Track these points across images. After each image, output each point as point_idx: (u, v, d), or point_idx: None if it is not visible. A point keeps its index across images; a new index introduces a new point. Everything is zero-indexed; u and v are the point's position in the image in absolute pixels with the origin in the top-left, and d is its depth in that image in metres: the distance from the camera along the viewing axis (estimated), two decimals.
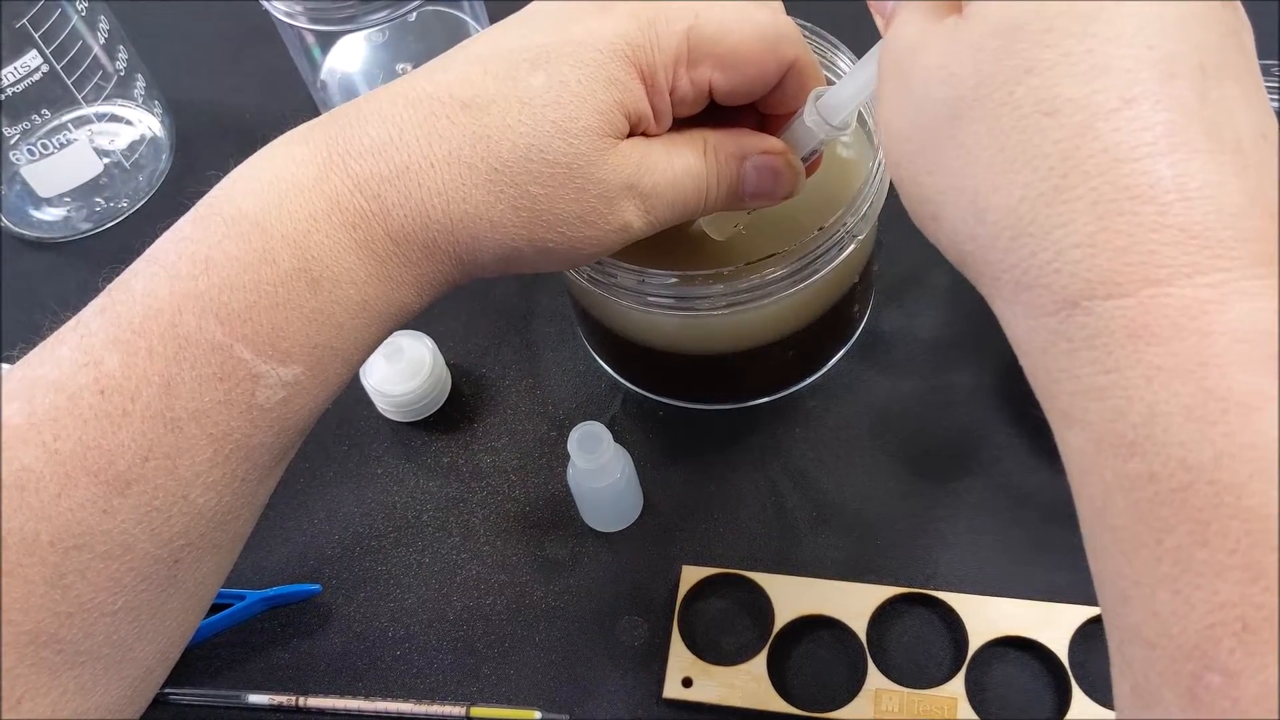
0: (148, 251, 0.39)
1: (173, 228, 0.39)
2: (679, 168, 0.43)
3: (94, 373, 0.35)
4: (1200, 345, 0.27)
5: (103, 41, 0.65)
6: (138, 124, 0.70)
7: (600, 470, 0.51)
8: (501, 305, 0.63)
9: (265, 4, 0.65)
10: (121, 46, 0.67)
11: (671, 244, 0.54)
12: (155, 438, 0.35)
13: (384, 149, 0.39)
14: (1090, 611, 0.50)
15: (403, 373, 0.58)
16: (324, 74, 0.72)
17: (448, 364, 0.60)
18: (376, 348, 0.42)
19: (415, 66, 0.72)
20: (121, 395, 0.35)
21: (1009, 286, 0.31)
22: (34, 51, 0.61)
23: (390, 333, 0.42)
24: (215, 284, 0.36)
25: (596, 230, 0.42)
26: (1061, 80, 0.29)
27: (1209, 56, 0.29)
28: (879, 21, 0.38)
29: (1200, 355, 0.27)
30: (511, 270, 0.43)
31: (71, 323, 0.37)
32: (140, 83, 0.69)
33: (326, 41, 0.71)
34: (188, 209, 0.70)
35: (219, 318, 0.36)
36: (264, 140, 0.72)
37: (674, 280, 0.49)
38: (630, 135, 0.42)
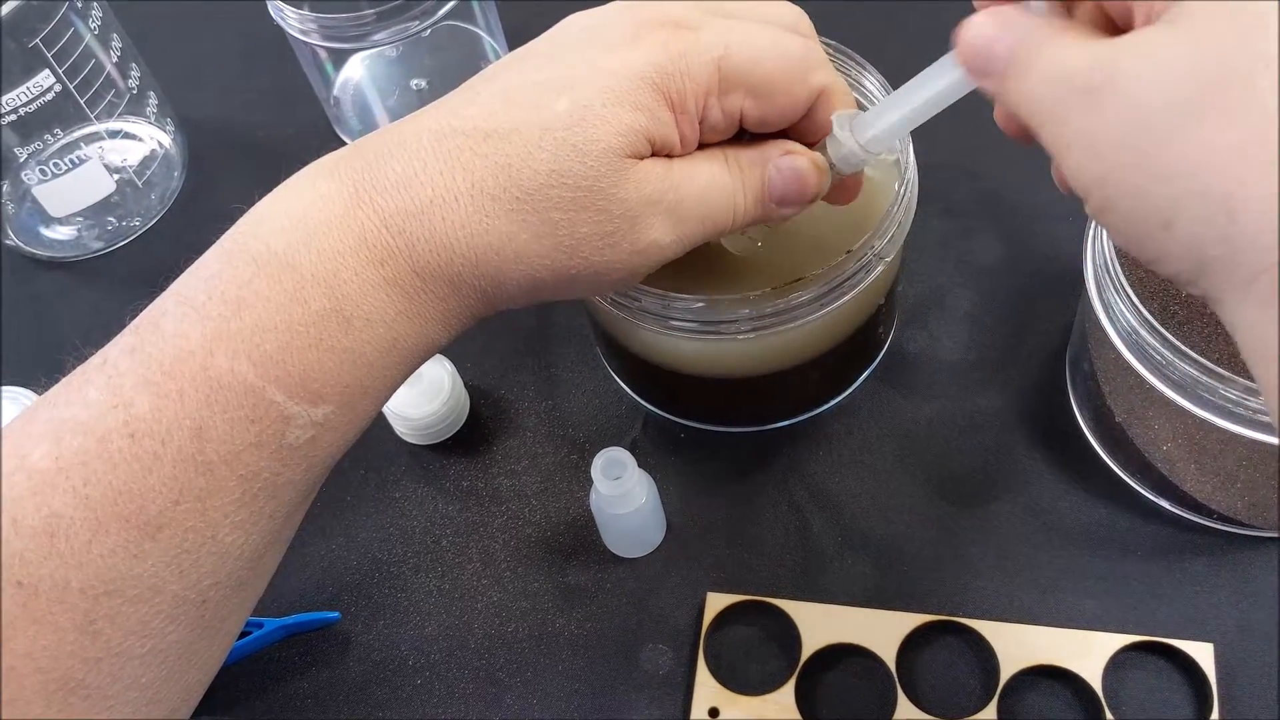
0: (174, 287, 0.38)
1: (199, 263, 0.38)
2: (703, 180, 0.42)
3: (123, 415, 0.34)
4: None
5: (115, 60, 0.65)
6: (150, 141, 0.70)
7: (624, 497, 0.51)
8: (519, 325, 0.63)
9: (279, 20, 0.64)
10: (134, 64, 0.66)
11: (696, 267, 0.53)
12: (186, 481, 0.34)
13: (408, 184, 0.38)
14: (1123, 639, 0.49)
15: (422, 395, 0.57)
16: (337, 90, 0.71)
17: (466, 385, 0.60)
18: (403, 383, 0.41)
19: (430, 83, 0.72)
20: (152, 439, 0.34)
21: (1269, 287, 0.29)
22: (46, 71, 0.60)
23: (416, 368, 0.41)
24: (247, 325, 0.35)
25: (623, 253, 0.41)
26: None
27: None
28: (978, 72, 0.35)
29: None
30: (539, 299, 0.42)
31: (97, 360, 0.37)
32: (153, 100, 0.68)
33: (340, 58, 0.70)
34: (200, 227, 0.69)
35: (251, 360, 0.35)
36: (276, 157, 0.71)
37: (699, 304, 0.48)
38: (653, 156, 0.42)
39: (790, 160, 0.44)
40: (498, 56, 0.72)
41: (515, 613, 0.54)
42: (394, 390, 0.41)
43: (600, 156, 0.39)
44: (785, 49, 0.42)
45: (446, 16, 0.65)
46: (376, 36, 0.64)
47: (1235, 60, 0.29)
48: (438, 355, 0.58)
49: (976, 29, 0.34)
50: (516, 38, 0.73)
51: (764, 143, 0.44)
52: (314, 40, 0.65)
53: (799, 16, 0.45)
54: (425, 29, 0.65)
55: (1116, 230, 0.33)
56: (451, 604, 0.54)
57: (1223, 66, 0.29)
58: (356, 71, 0.72)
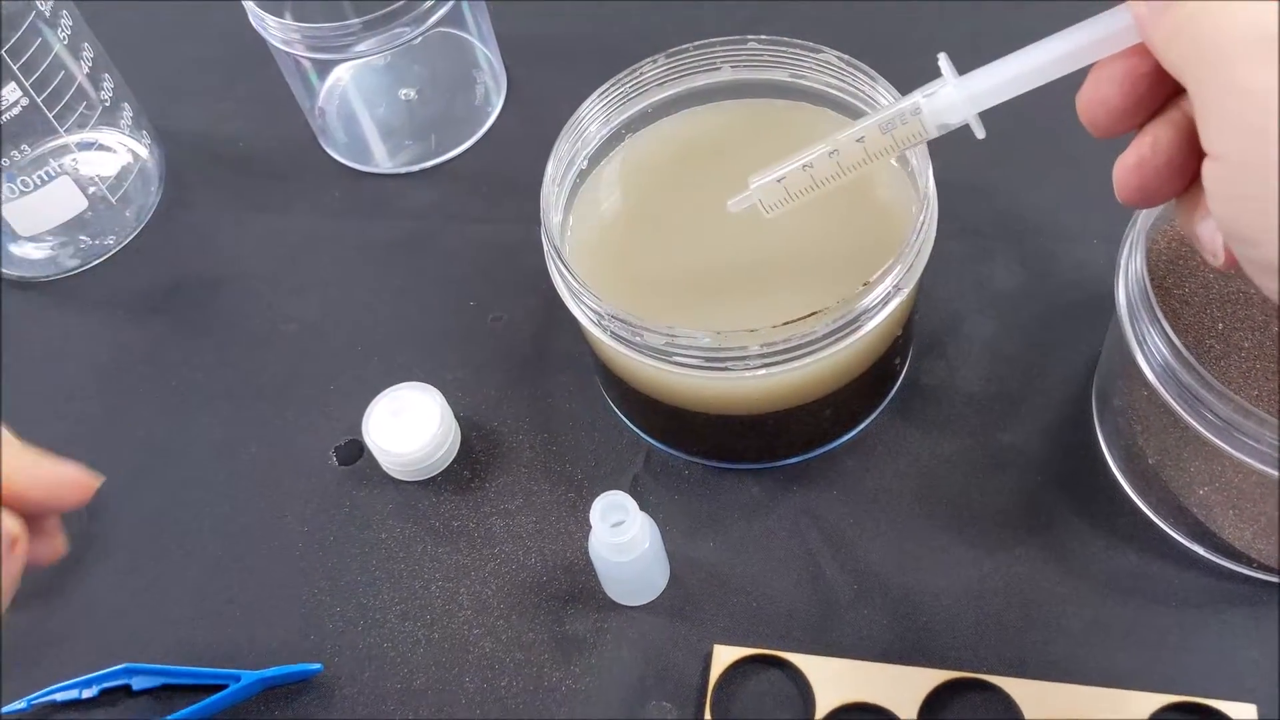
0: None
1: None
2: None
3: None
4: None
5: (87, 70, 0.61)
6: (124, 155, 0.66)
7: (625, 544, 0.47)
8: (514, 352, 0.59)
9: (259, 30, 0.61)
10: (107, 75, 0.63)
11: (701, 298, 0.51)
12: None
13: None
14: (1160, 699, 0.46)
15: (409, 429, 0.54)
16: (322, 100, 0.68)
17: (457, 417, 0.56)
18: None
19: (420, 92, 0.68)
20: None
21: None
22: (13, 84, 0.57)
23: None
24: None
25: None
26: None
27: None
28: None
29: None
30: None
31: None
32: (127, 112, 0.65)
33: (324, 67, 0.67)
34: (178, 245, 0.66)
35: None
36: (258, 171, 0.68)
37: (706, 340, 0.45)
38: None
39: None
40: (490, 65, 0.69)
41: (509, 665, 0.50)
42: None
43: None
44: None
45: (438, 23, 0.62)
46: (363, 46, 0.61)
47: None
48: (428, 385, 0.55)
49: None
50: (509, 45, 0.69)
51: None
52: (297, 51, 0.61)
53: None
54: (416, 37, 0.61)
55: (1249, 213, 0.30)
56: (441, 655, 0.51)
57: None
58: (342, 81, 0.69)
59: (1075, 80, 0.68)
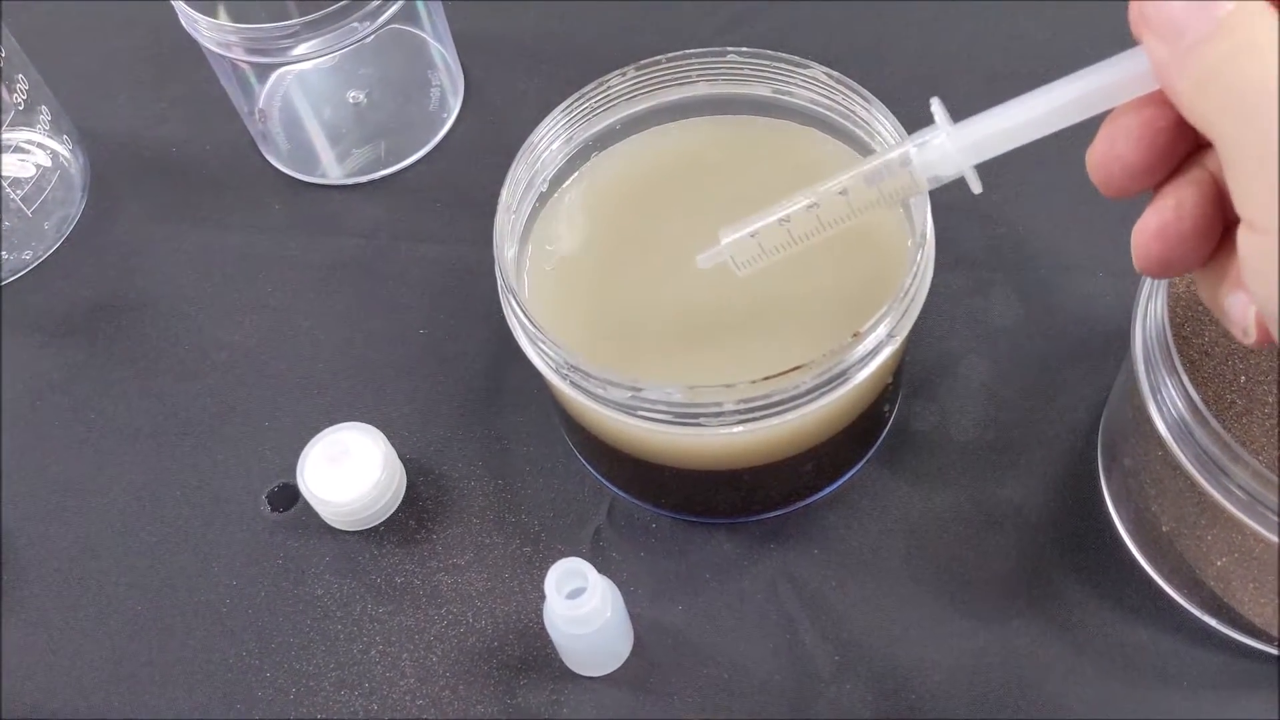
0: None
1: None
2: None
3: None
4: None
5: None
6: (43, 159, 0.61)
7: (584, 617, 0.43)
8: (466, 388, 0.54)
9: (192, 32, 0.55)
10: (22, 75, 0.57)
11: (675, 343, 0.46)
12: None
13: None
14: None
15: (349, 475, 0.49)
16: (262, 103, 0.63)
17: (402, 459, 0.51)
18: None
19: (369, 94, 0.63)
20: None
21: None
22: None
23: None
24: None
25: None
26: None
27: None
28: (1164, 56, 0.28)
29: None
30: None
31: None
32: (45, 114, 0.59)
33: (265, 69, 0.61)
34: (103, 260, 0.60)
35: None
36: (191, 179, 0.63)
37: (677, 396, 0.40)
38: None
39: None
40: (447, 65, 0.64)
41: None
42: None
43: None
44: None
45: (390, 20, 0.57)
46: (307, 47, 0.56)
47: None
48: (369, 427, 0.50)
49: None
50: (465, 43, 0.64)
51: None
52: (235, 55, 0.56)
53: None
54: (367, 35, 0.56)
55: None
56: None
57: None
58: (285, 82, 0.63)
59: None
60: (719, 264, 0.41)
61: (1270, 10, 0.26)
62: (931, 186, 0.37)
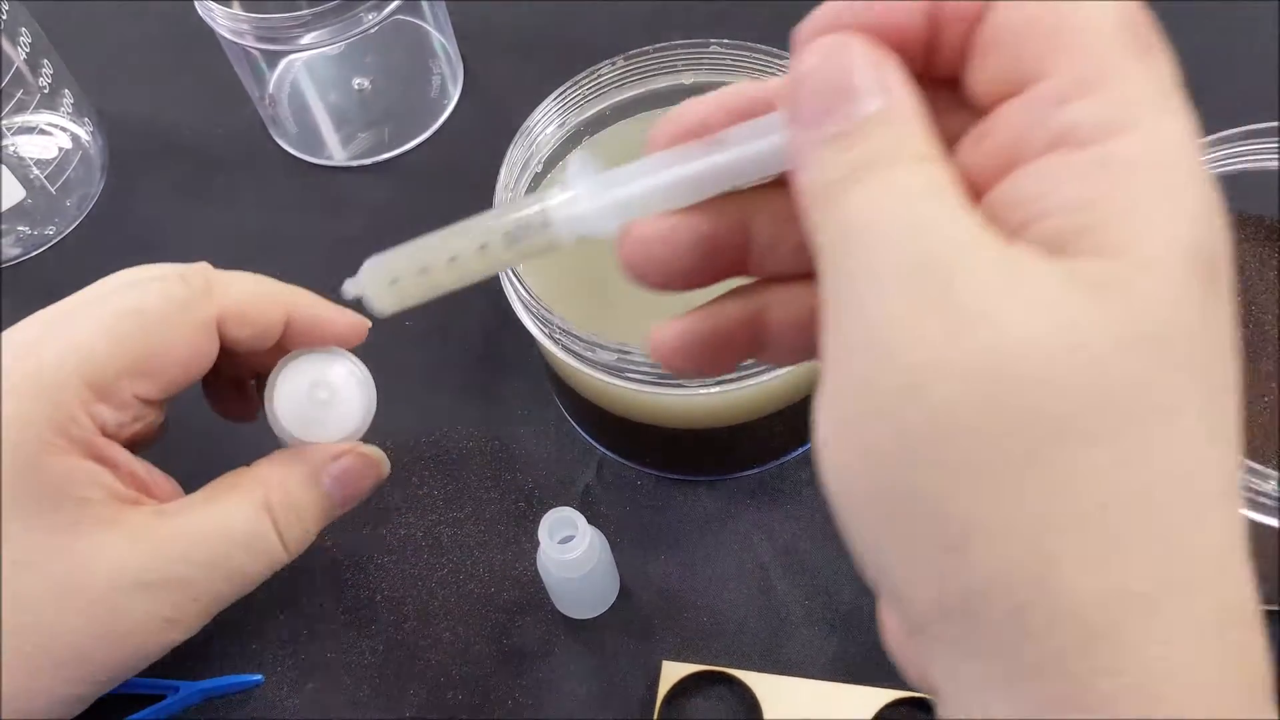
0: None
1: None
2: (217, 540, 0.40)
3: None
4: None
5: (25, 54, 0.59)
6: (65, 141, 0.64)
7: (574, 561, 0.47)
8: (464, 355, 0.58)
9: (208, 21, 0.59)
10: (46, 60, 0.61)
11: (659, 311, 0.49)
12: None
13: None
14: None
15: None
16: (272, 89, 0.66)
17: (406, 422, 0.55)
18: None
19: (373, 82, 0.67)
20: None
21: (1048, 696, 0.21)
22: None
23: None
24: None
25: (137, 639, 0.39)
26: (1197, 440, 0.22)
27: None
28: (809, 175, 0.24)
29: None
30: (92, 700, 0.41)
31: None
32: (68, 98, 0.63)
33: (275, 55, 0.65)
34: (121, 235, 0.64)
35: None
36: (205, 161, 0.66)
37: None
38: (134, 503, 0.40)
39: (342, 465, 0.42)
40: (447, 55, 0.68)
41: (455, 678, 0.50)
42: None
43: (34, 551, 0.38)
44: (144, 310, 0.41)
45: (395, 12, 0.60)
46: (315, 35, 0.59)
47: (1164, 396, 0.21)
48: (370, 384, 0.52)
49: (846, 46, 0.24)
50: (465, 34, 0.68)
51: (301, 453, 0.43)
52: (248, 42, 0.59)
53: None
54: (372, 26, 0.60)
55: (871, 517, 0.23)
56: (386, 665, 0.50)
57: (1151, 402, 0.21)
58: (294, 69, 0.67)
59: None
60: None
61: (919, 120, 0.24)
62: (575, 240, 0.30)
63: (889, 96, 0.23)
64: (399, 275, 0.32)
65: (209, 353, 0.42)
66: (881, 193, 0.23)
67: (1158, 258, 0.21)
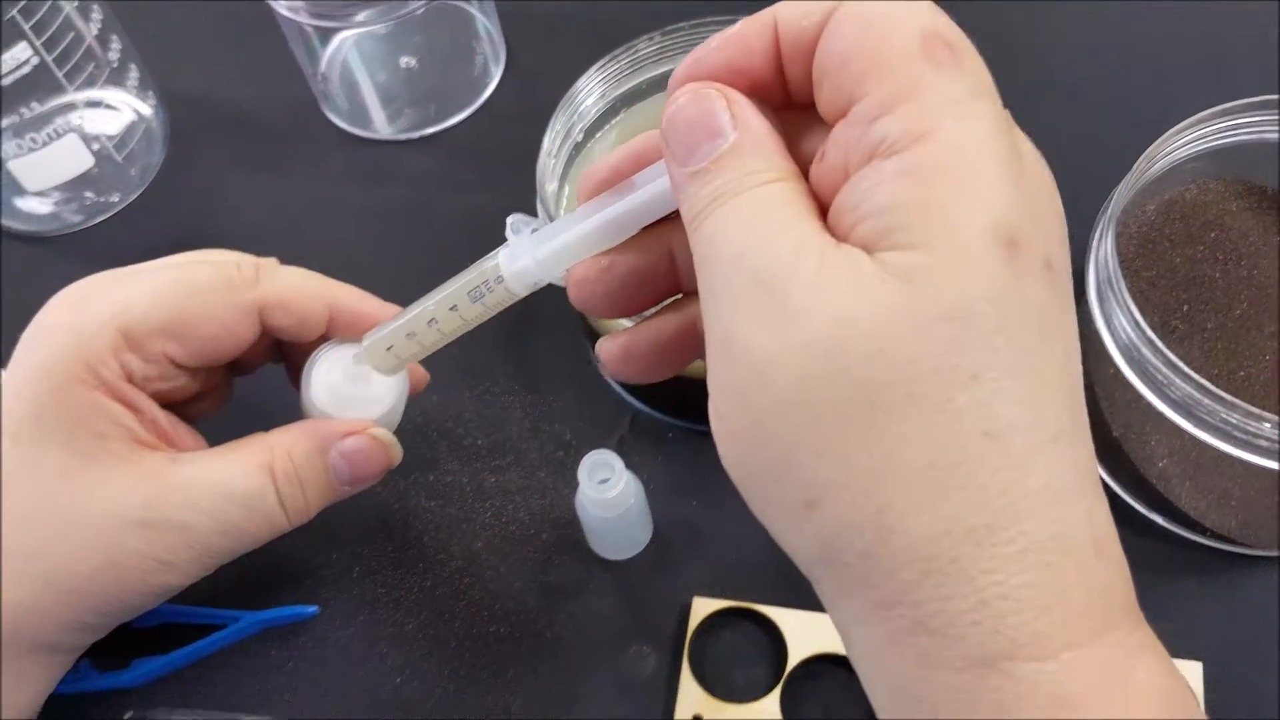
0: None
1: None
2: (217, 493, 0.42)
3: None
4: (1125, 714, 0.25)
5: (96, 32, 0.63)
6: (130, 115, 0.68)
7: (611, 501, 0.50)
8: (504, 316, 0.61)
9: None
10: (115, 36, 0.65)
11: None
12: None
13: None
14: None
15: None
16: (324, 67, 0.70)
17: (450, 377, 0.58)
18: None
19: (419, 61, 0.70)
20: None
21: (901, 625, 0.26)
22: (24, 43, 0.58)
23: None
24: None
25: (132, 575, 0.42)
26: (1006, 398, 0.25)
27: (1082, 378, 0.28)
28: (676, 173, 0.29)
29: None
30: (106, 631, 0.44)
31: None
32: (134, 73, 0.66)
33: (327, 33, 0.69)
34: (180, 204, 0.68)
35: None
36: (260, 134, 0.70)
37: None
38: (151, 448, 0.43)
39: (353, 443, 0.44)
40: (490, 37, 0.71)
41: (497, 612, 0.53)
42: None
43: (56, 478, 0.41)
44: (190, 282, 0.43)
45: None
46: (367, 14, 0.63)
47: (942, 364, 0.25)
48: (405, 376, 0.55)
49: (699, 93, 0.29)
50: (509, 17, 0.71)
51: (320, 424, 0.45)
52: (302, 19, 0.63)
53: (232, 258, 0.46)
54: (420, 7, 0.63)
55: (753, 481, 0.28)
56: (432, 601, 0.53)
57: (930, 368, 0.25)
58: (345, 48, 0.70)
59: (1052, 56, 0.70)
60: None
61: (768, 149, 0.28)
62: (530, 291, 0.37)
63: (740, 132, 0.28)
64: (393, 343, 0.42)
65: (243, 334, 0.45)
66: (729, 218, 0.27)
67: (955, 246, 0.25)
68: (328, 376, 0.46)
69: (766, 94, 0.30)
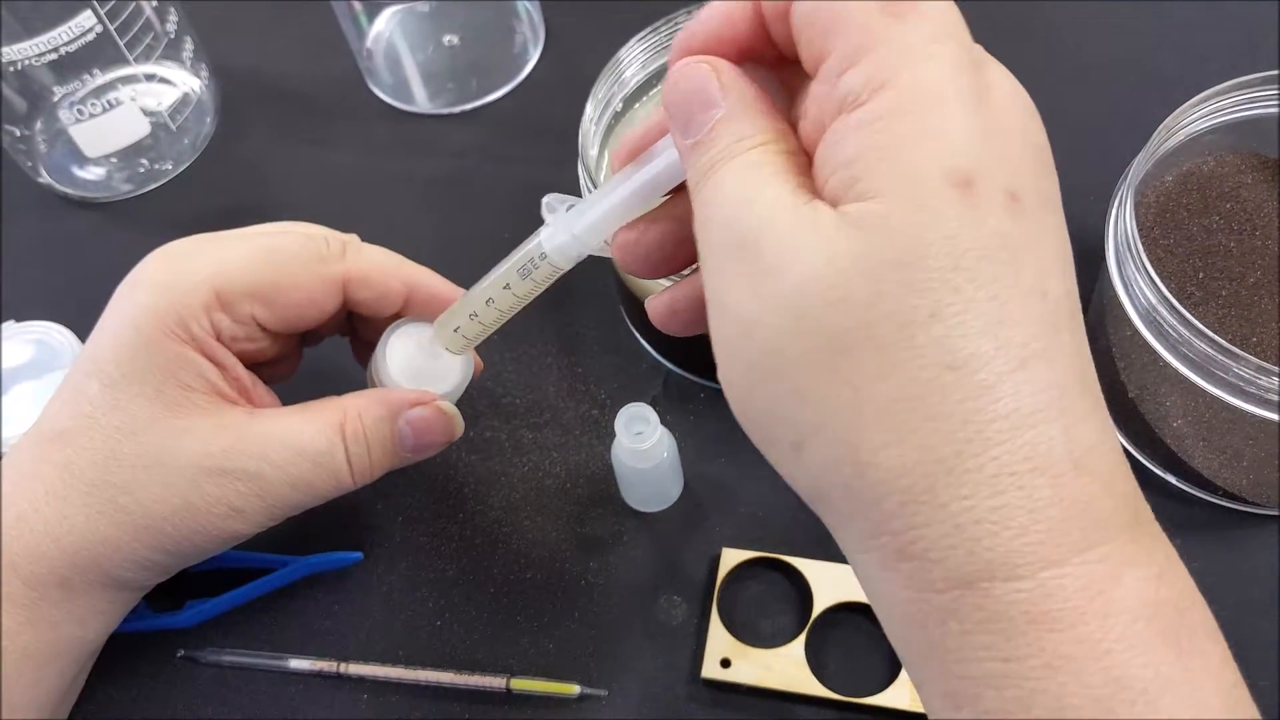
0: None
1: None
2: (289, 447, 0.44)
3: None
4: (1103, 629, 0.26)
5: (154, 4, 0.65)
6: (184, 86, 0.70)
7: (646, 452, 0.52)
8: None
9: None
10: (172, 9, 0.67)
11: None
12: None
13: (10, 503, 0.42)
14: None
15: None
16: (370, 42, 0.72)
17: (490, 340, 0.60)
18: (72, 685, 0.46)
19: (461, 38, 0.73)
20: None
21: (887, 551, 0.28)
22: (88, 11, 0.61)
23: (78, 670, 0.46)
24: None
25: (205, 519, 0.44)
26: (967, 330, 0.26)
27: (1075, 299, 0.29)
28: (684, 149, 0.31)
29: (1105, 641, 0.26)
30: (172, 573, 0.46)
31: None
32: (189, 45, 0.69)
33: (374, 9, 0.71)
34: (230, 174, 0.70)
35: None
36: (307, 108, 0.72)
37: None
38: (232, 402, 0.45)
39: (420, 413, 0.47)
40: (530, 16, 0.73)
41: (533, 560, 0.55)
42: (57, 694, 0.45)
43: (145, 427, 0.43)
44: (279, 251, 0.46)
45: None
46: None
47: (900, 305, 0.27)
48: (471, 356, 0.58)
49: (691, 69, 0.31)
50: None
51: (391, 393, 0.47)
52: None
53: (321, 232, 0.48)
54: None
55: (750, 421, 0.31)
56: (472, 549, 0.56)
57: (888, 310, 0.27)
58: (390, 24, 0.73)
59: (1074, 29, 0.71)
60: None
61: (754, 114, 0.30)
62: (574, 263, 0.41)
63: (730, 100, 0.30)
64: (459, 324, 0.46)
65: (326, 305, 0.47)
66: (718, 185, 0.29)
67: (908, 191, 0.27)
68: (402, 351, 0.49)
69: (758, 56, 0.32)
